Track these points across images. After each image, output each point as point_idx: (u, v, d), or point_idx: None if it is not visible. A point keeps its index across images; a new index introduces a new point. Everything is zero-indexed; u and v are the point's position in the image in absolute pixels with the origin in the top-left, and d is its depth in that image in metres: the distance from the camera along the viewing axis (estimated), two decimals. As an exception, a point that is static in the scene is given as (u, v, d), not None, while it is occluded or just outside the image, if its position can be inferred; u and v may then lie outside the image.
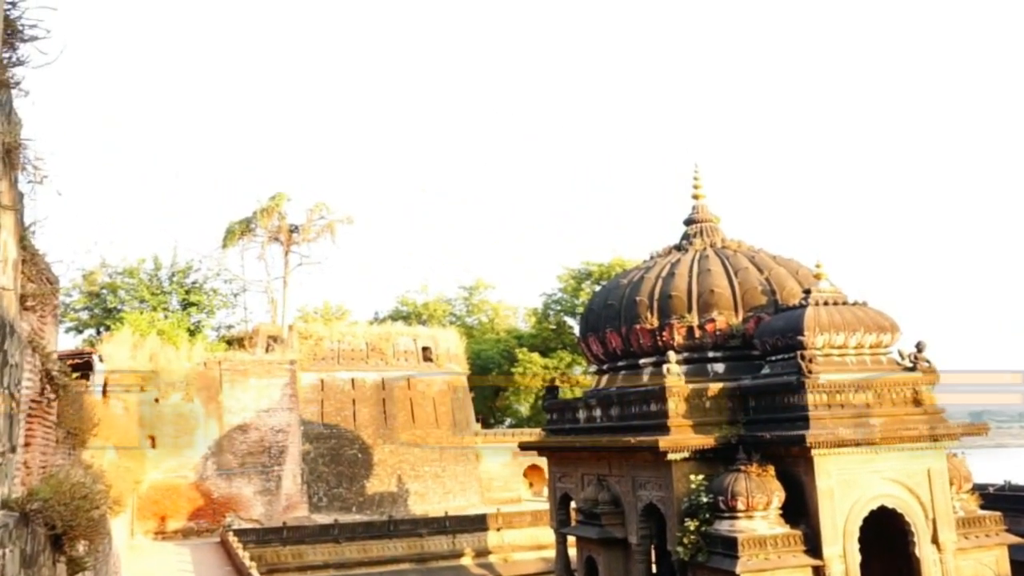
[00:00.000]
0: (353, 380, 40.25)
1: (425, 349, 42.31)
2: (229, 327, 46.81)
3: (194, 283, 44.92)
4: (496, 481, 43.25)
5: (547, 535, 28.02)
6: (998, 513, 20.08)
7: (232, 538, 27.90)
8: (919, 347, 19.54)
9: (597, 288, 38.82)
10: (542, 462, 31.06)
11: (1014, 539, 19.62)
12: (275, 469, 35.95)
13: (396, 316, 60.12)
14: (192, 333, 41.23)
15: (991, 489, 32.13)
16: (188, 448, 34.71)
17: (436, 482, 40.43)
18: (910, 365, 19.28)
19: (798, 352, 18.02)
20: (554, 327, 56.02)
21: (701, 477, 18.07)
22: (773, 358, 19.31)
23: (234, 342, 42.01)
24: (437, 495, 40.11)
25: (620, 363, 22.25)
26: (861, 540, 17.43)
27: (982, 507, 20.68)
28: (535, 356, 51.78)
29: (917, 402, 18.70)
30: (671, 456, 18.06)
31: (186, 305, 43.83)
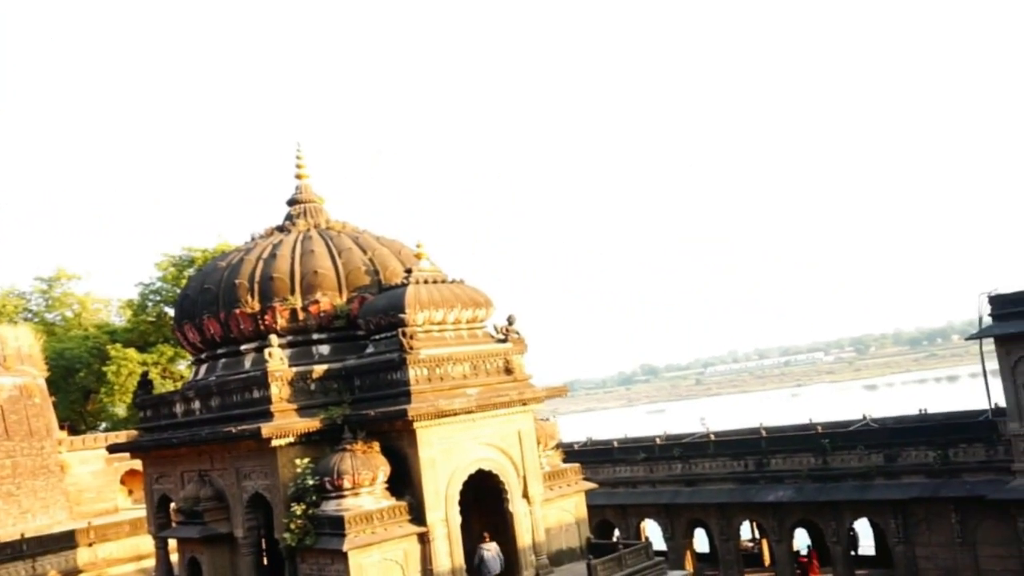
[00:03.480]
0: None
1: (-11, 350, 37.17)
2: None
3: None
4: (87, 492, 39.60)
5: (149, 544, 26.47)
6: (577, 465, 23.14)
7: None
8: (510, 320, 21.73)
9: (200, 274, 37.15)
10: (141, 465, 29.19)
11: (589, 485, 22.82)
12: None
13: (-50, 314, 51.95)
14: None
15: (576, 446, 37.01)
16: None
17: (10, 502, 35.90)
18: (502, 337, 21.36)
19: (400, 329, 19.04)
20: (153, 319, 52.52)
21: (307, 460, 18.34)
22: (377, 337, 20.17)
23: None
24: (12, 516, 35.64)
25: (220, 351, 21.66)
26: (463, 502, 19.03)
27: (566, 461, 23.70)
28: (131, 352, 48.16)
29: (508, 371, 20.80)
30: (275, 442, 18.08)
31: None
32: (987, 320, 27.27)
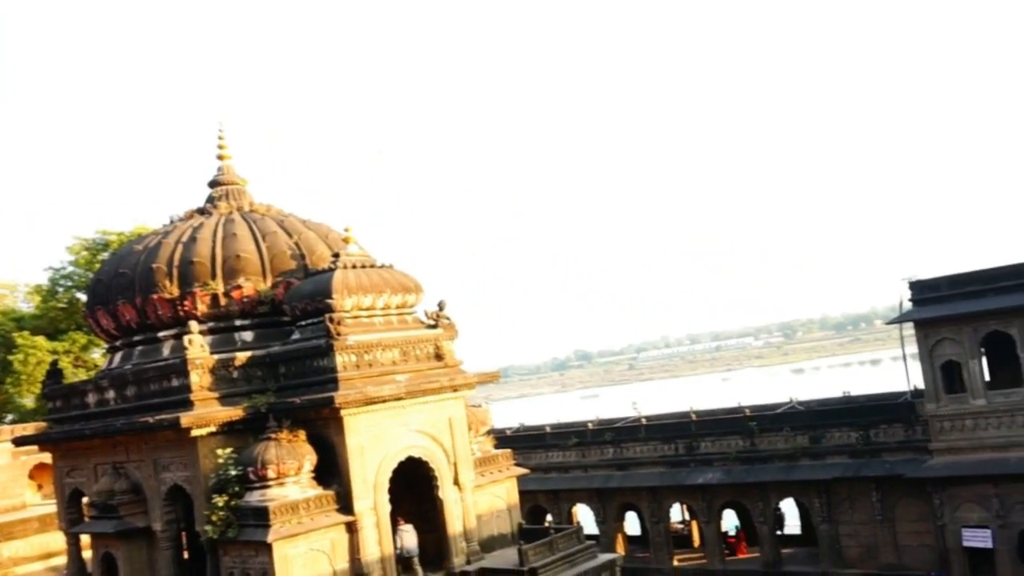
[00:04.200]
0: None
1: None
2: None
3: None
4: (-7, 489, 38.24)
5: (59, 540, 25.70)
6: (508, 451, 23.32)
7: None
8: (440, 306, 21.72)
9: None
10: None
11: (520, 471, 23.02)
12: None
13: None
14: None
15: (508, 432, 37.22)
16: None
17: (-91, 501, 34.41)
18: (432, 323, 21.35)
19: (327, 315, 18.85)
20: (65, 305, 50.76)
21: (230, 450, 18.07)
22: (303, 323, 19.94)
23: None
24: (-89, 517, 34.20)
25: (136, 338, 21.15)
26: (393, 490, 19.00)
27: (498, 447, 23.87)
28: (40, 340, 46.50)
29: (439, 357, 20.81)
30: (195, 432, 17.77)
31: None
32: (907, 305, 28.28)
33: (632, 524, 36.05)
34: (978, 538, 25.53)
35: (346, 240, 21.20)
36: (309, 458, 18.13)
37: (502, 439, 31.76)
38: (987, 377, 26.58)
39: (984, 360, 26.53)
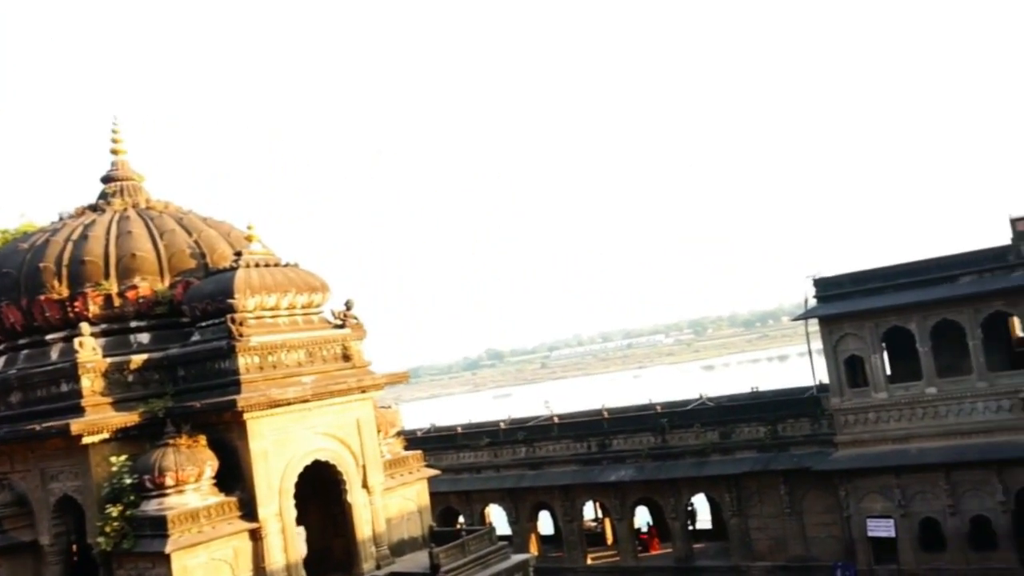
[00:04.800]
0: None
1: None
2: None
3: None
4: None
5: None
6: (419, 452, 23.14)
7: None
8: (348, 305, 21.39)
9: None
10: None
11: (431, 472, 22.88)
12: None
13: None
14: None
15: (419, 433, 36.94)
16: None
17: None
18: (339, 323, 21.01)
19: (228, 316, 18.35)
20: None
21: (124, 458, 17.45)
22: (204, 324, 19.35)
23: None
24: None
25: (22, 341, 20.19)
26: (300, 495, 18.61)
27: (409, 448, 23.64)
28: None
29: (347, 357, 20.50)
30: (87, 439, 17.09)
31: None
32: (812, 302, 29.16)
33: (545, 523, 36.22)
34: (882, 528, 26.50)
35: (249, 238, 20.66)
36: (210, 464, 17.60)
37: (413, 440, 31.50)
38: (888, 371, 27.64)
39: (885, 355, 27.59)
